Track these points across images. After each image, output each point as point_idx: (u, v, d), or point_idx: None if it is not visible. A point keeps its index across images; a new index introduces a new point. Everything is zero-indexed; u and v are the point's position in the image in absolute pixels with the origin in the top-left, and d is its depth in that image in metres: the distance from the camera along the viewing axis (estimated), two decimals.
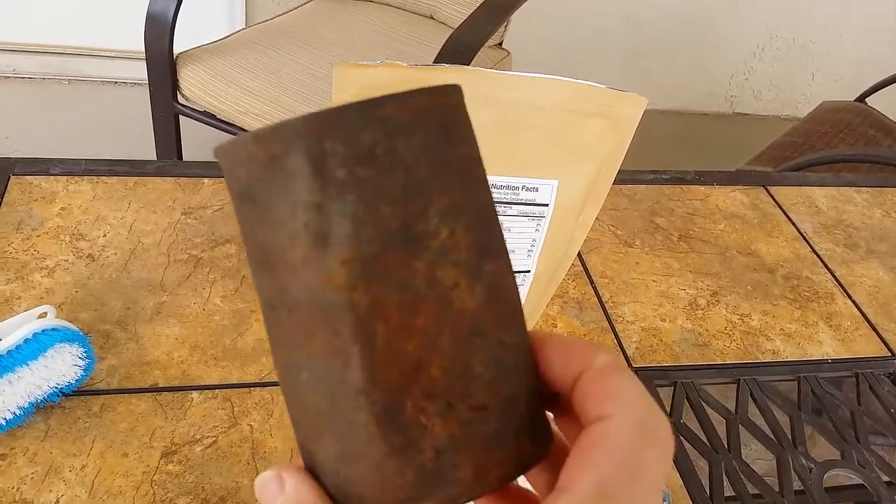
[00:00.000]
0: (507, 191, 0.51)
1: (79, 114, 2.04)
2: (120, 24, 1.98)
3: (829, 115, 1.81)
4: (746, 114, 2.65)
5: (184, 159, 1.52)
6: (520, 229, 0.53)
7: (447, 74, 0.48)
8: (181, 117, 1.47)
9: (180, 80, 1.43)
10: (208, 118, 1.44)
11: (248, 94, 1.38)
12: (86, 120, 2.02)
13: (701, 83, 2.54)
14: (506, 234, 0.52)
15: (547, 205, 0.52)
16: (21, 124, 1.98)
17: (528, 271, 0.54)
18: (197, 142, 1.61)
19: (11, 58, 2.08)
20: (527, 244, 0.53)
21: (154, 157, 1.49)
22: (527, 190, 0.51)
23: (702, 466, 0.63)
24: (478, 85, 0.48)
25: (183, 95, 1.44)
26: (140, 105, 1.52)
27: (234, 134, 1.43)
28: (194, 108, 1.44)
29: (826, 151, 1.55)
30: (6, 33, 2.05)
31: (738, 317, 0.77)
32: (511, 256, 0.53)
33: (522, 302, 0.56)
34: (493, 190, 0.51)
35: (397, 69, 0.47)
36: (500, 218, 0.53)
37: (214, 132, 1.45)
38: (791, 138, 1.71)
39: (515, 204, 0.51)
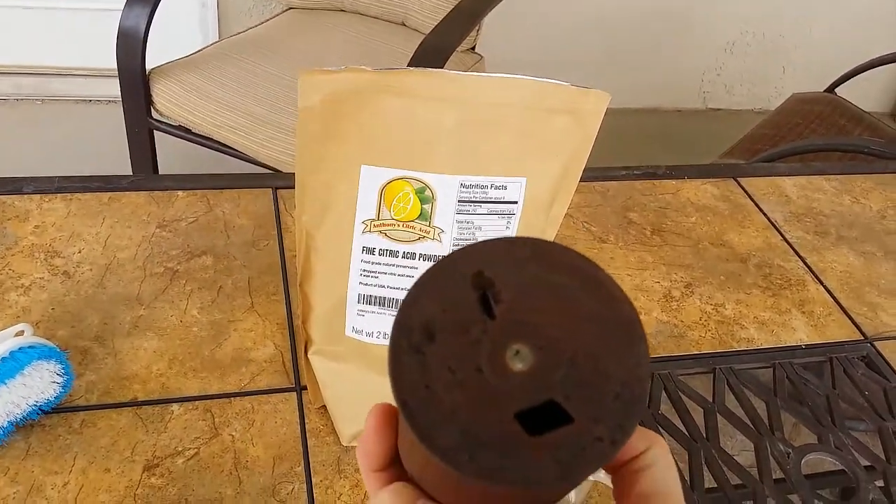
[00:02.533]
0: (477, 190, 0.52)
1: (54, 134, 2.03)
2: (92, 42, 1.97)
3: (800, 106, 1.83)
4: (720, 109, 2.67)
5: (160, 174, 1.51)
6: (491, 227, 0.53)
7: (412, 78, 0.48)
8: (156, 132, 1.47)
9: (154, 96, 1.42)
10: (183, 132, 1.44)
11: (222, 107, 1.38)
12: (61, 139, 2.01)
13: (674, 80, 2.56)
14: (477, 234, 0.53)
15: (516, 202, 0.53)
16: None
17: None
18: (172, 156, 1.61)
19: None
20: None
21: (129, 174, 1.48)
22: (496, 188, 0.52)
23: (681, 457, 0.63)
24: (443, 87, 0.49)
25: (157, 111, 1.44)
26: (115, 122, 1.52)
27: (209, 147, 1.43)
28: (169, 122, 1.44)
29: (797, 142, 1.57)
30: None
31: (712, 307, 0.79)
32: None
33: None
34: (462, 190, 0.52)
35: (361, 73, 0.47)
36: (471, 217, 0.54)
37: (190, 146, 1.45)
38: (763, 130, 1.73)
39: (485, 202, 0.52)
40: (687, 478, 0.62)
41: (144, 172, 1.50)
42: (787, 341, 0.76)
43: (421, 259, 0.53)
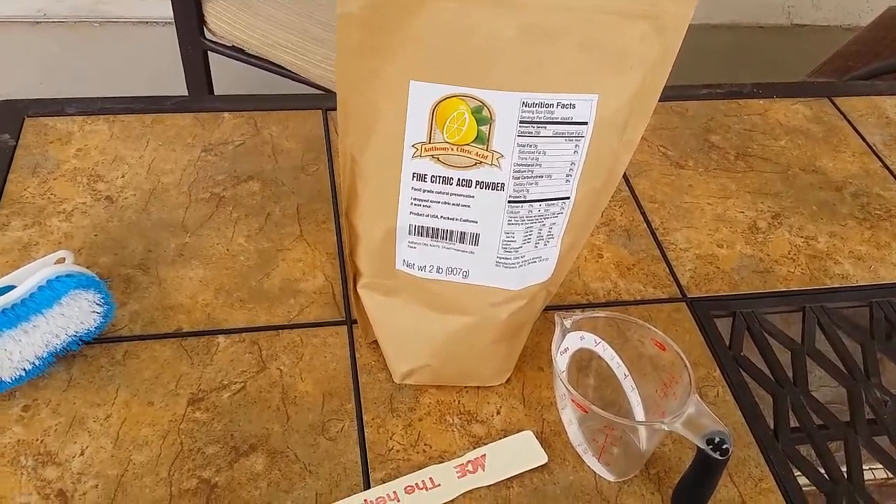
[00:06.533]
0: (541, 109, 0.46)
1: (111, 56, 2.01)
2: None
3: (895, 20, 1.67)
4: (805, 25, 2.49)
5: None
6: (557, 152, 0.47)
7: None
8: (211, 54, 1.43)
9: (206, 15, 1.38)
10: (237, 53, 1.39)
11: (274, 26, 1.33)
12: (118, 62, 1.99)
13: None
14: (541, 158, 0.47)
15: (586, 123, 0.47)
16: (53, 69, 1.96)
17: (568, 198, 0.49)
18: (228, 81, 1.57)
19: (41, 2, 2.05)
20: (565, 168, 0.48)
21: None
22: (563, 107, 0.46)
23: (766, 402, 0.58)
24: None
25: (210, 31, 1.40)
26: (171, 44, 1.48)
27: (264, 68, 1.39)
28: (222, 43, 1.40)
29: (894, 59, 1.44)
30: None
31: (802, 239, 0.71)
32: (548, 182, 0.48)
33: (563, 231, 0.52)
34: (524, 109, 0.46)
35: None
36: (534, 140, 0.48)
37: (246, 70, 1.41)
38: (855, 47, 1.59)
39: (550, 124, 0.46)
40: (771, 425, 0.56)
41: (200, 95, 1.46)
42: (886, 278, 0.69)
43: (478, 187, 0.48)
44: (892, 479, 0.56)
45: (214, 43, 1.40)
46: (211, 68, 1.46)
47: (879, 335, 0.64)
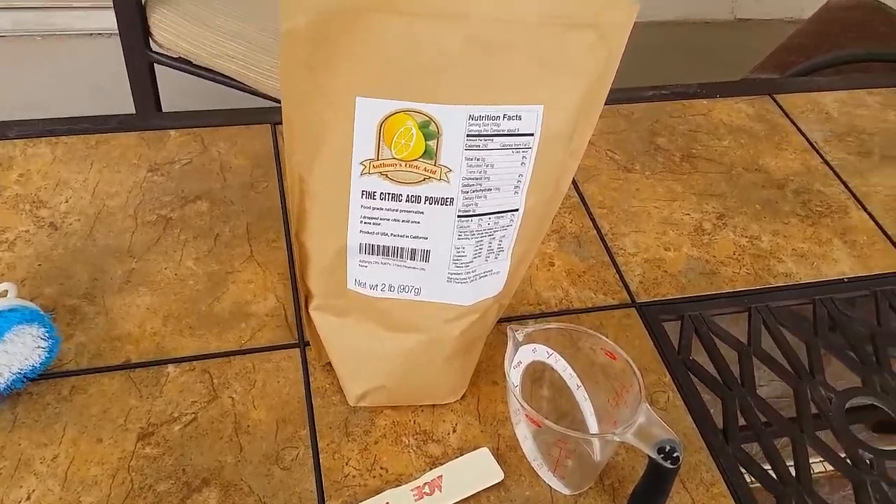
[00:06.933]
0: (487, 122, 0.46)
1: (56, 70, 1.97)
2: None
3: (837, 13, 1.71)
4: (749, 19, 2.53)
5: (163, 110, 1.46)
6: (504, 164, 0.48)
7: None
8: (157, 67, 1.41)
9: (151, 27, 1.35)
10: (183, 64, 1.37)
11: (221, 36, 1.31)
12: (63, 75, 1.95)
13: None
14: (489, 171, 0.48)
15: (532, 134, 0.47)
16: None
17: (517, 210, 0.50)
18: (177, 94, 1.54)
19: None
20: (513, 180, 0.48)
21: (133, 110, 1.43)
22: (509, 119, 0.46)
23: (716, 403, 0.59)
24: (447, 1, 0.42)
25: (156, 42, 1.37)
26: (116, 56, 1.46)
27: (211, 80, 1.37)
28: (169, 55, 1.38)
29: (835, 52, 1.47)
30: None
31: (746, 239, 0.73)
32: (497, 195, 0.49)
33: (513, 243, 0.52)
34: (471, 122, 0.46)
35: None
36: (482, 153, 0.48)
37: (194, 83, 1.39)
38: (797, 41, 1.62)
39: (497, 136, 0.46)
40: (721, 427, 0.57)
41: (146, 110, 1.44)
42: (829, 275, 0.71)
43: (427, 202, 0.48)
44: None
45: (160, 55, 1.38)
46: (158, 80, 1.44)
47: (823, 332, 0.65)
